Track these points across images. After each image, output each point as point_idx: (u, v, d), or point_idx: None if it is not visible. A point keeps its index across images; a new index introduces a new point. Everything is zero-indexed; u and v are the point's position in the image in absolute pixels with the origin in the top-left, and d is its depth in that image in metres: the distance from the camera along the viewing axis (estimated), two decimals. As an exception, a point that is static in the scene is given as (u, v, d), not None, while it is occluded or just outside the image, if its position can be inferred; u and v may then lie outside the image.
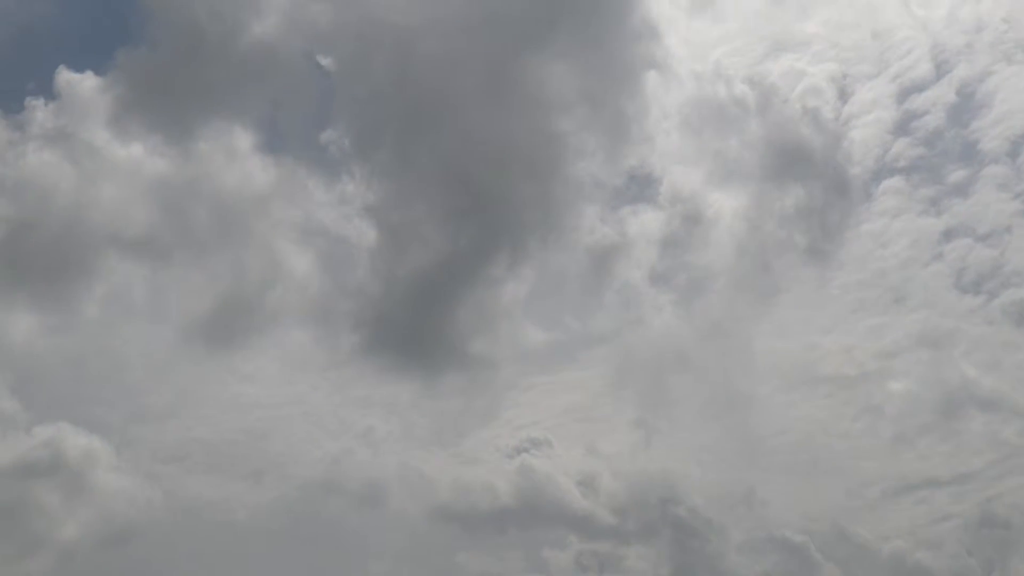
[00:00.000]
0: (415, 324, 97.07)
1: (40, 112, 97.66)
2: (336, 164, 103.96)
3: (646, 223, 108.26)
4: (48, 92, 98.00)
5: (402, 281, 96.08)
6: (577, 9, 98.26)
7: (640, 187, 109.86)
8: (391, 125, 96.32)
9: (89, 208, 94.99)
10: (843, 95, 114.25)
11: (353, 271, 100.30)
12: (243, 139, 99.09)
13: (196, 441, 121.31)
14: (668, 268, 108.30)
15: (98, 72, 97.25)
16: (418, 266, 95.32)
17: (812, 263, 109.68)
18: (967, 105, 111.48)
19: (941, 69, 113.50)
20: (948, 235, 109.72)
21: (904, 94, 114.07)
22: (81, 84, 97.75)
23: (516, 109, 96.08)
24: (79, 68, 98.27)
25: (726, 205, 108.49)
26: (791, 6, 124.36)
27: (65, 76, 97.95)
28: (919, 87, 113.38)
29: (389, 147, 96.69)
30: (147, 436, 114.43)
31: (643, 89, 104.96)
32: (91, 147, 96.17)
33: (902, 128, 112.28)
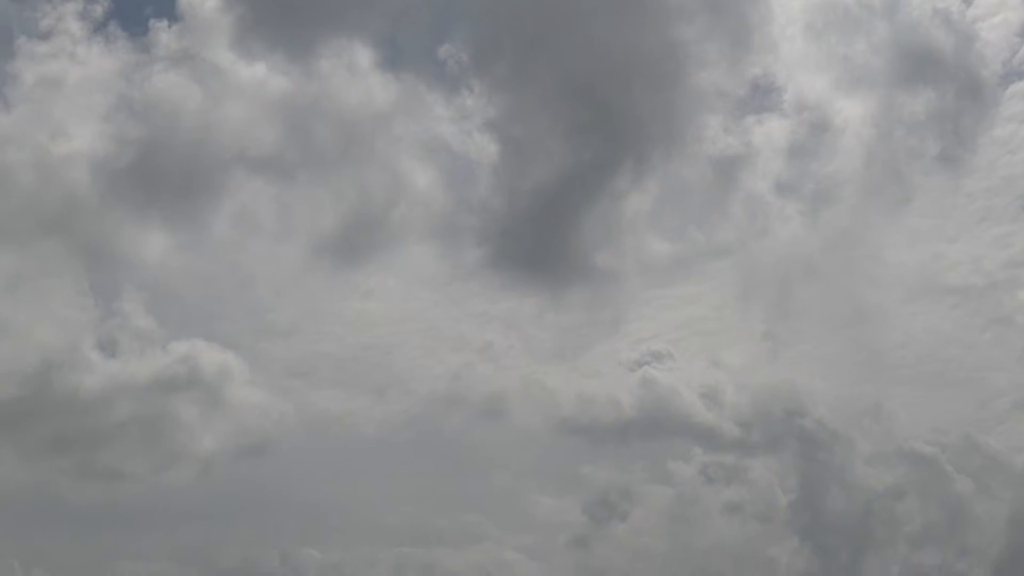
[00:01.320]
0: (538, 239, 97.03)
1: (164, 34, 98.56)
2: (456, 79, 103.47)
3: (771, 132, 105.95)
4: (172, 14, 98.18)
5: (525, 195, 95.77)
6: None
7: (764, 96, 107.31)
8: (510, 38, 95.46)
9: (215, 128, 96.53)
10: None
11: (475, 186, 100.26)
12: (363, 56, 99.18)
13: (322, 356, 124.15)
14: (794, 178, 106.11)
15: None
16: (541, 180, 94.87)
17: (942, 170, 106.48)
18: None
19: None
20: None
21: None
22: (203, 5, 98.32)
23: (637, 19, 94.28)
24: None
25: (853, 112, 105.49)
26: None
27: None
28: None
29: (508, 61, 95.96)
30: (276, 351, 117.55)
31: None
32: (215, 67, 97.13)
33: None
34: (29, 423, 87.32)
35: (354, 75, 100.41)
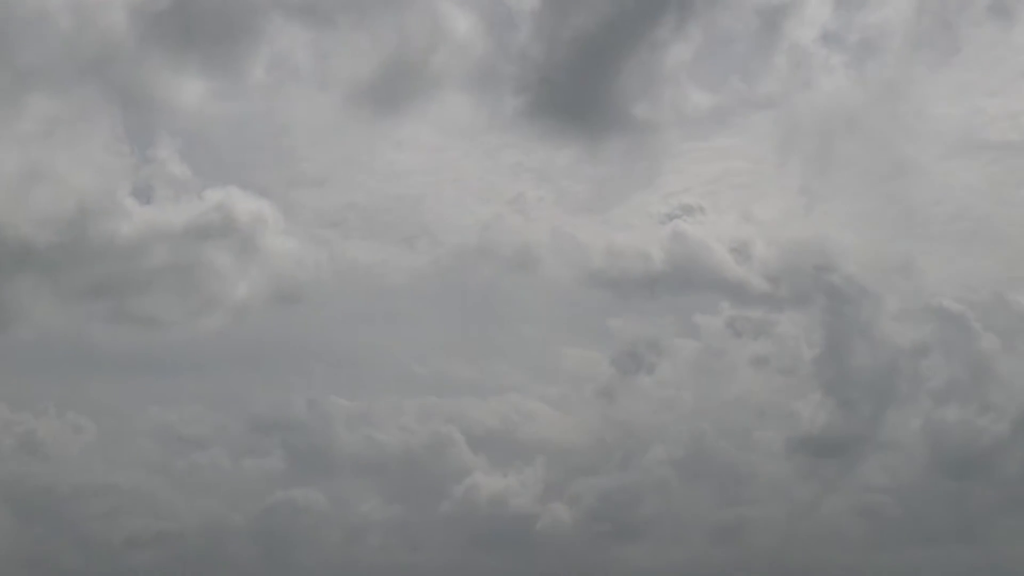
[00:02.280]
0: (577, 88, 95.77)
1: None
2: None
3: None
4: None
5: (566, 44, 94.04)
6: None
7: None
8: None
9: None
10: None
11: (516, 34, 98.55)
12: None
13: (353, 206, 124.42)
14: (840, 27, 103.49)
15: None
16: (582, 28, 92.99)
17: (992, 20, 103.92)
18: None
19: None
20: None
21: None
22: None
23: None
24: None
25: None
26: None
27: None
28: None
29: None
30: (309, 200, 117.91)
31: None
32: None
33: None
34: (65, 269, 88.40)
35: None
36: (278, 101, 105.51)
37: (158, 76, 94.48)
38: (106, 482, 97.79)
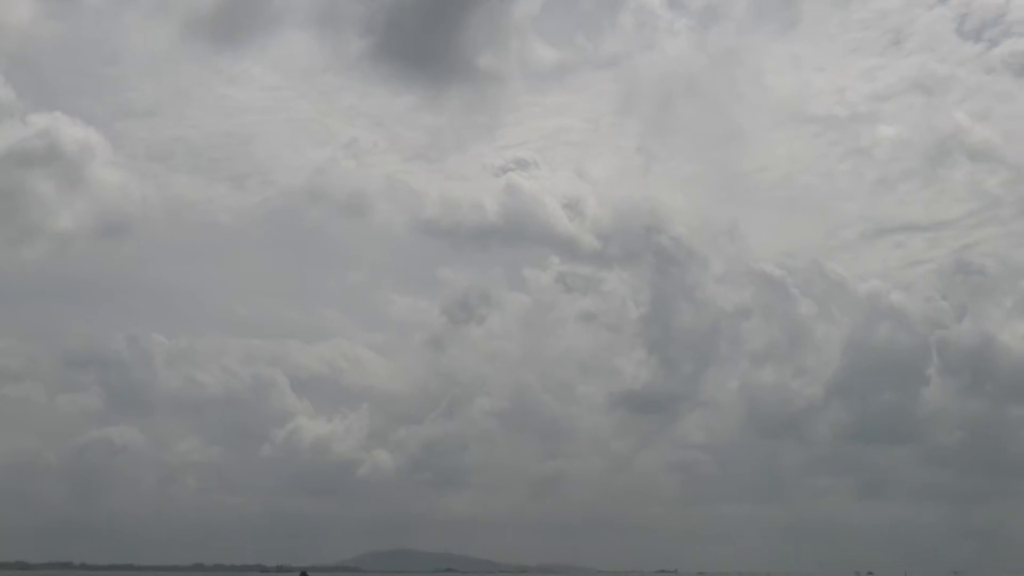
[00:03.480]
0: (424, 34, 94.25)
1: None
2: None
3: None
4: None
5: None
6: None
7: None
8: None
9: None
10: None
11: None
12: None
13: (182, 141, 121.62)
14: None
15: None
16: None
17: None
18: None
19: None
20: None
21: None
22: None
23: None
24: None
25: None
26: None
27: None
28: None
29: None
30: (137, 132, 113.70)
31: None
32: None
33: None
34: None
35: None
36: (111, 26, 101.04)
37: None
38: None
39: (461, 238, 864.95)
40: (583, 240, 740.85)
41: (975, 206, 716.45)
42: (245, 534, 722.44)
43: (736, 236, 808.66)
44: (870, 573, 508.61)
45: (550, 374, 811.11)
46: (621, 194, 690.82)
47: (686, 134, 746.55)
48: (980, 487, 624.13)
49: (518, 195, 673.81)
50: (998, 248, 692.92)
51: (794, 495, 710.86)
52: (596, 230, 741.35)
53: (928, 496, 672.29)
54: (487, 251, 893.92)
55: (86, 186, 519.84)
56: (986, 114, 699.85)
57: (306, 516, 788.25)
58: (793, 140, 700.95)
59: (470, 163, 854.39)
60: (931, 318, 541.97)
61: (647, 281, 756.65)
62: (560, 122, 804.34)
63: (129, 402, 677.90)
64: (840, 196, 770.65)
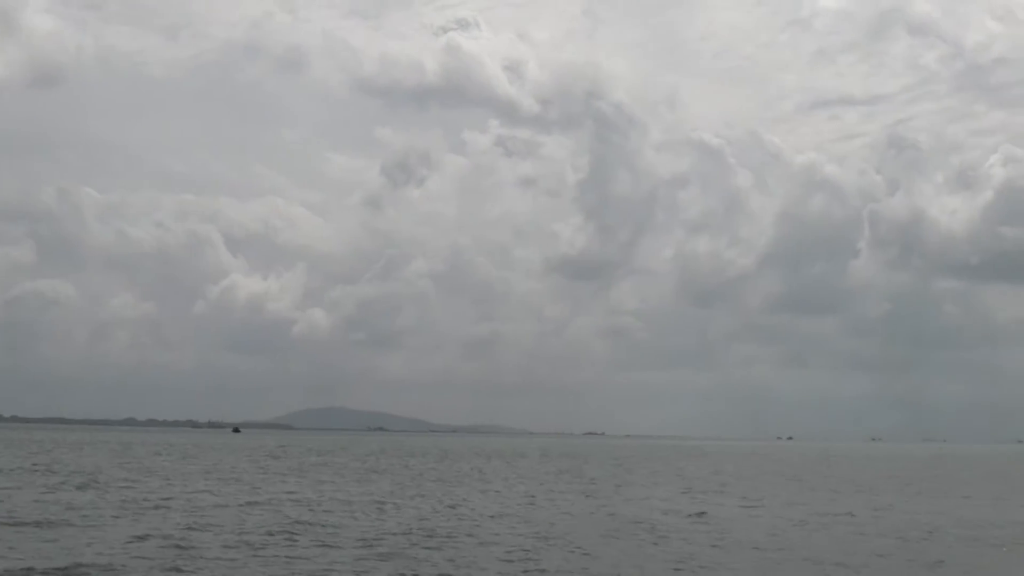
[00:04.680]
0: None
1: None
2: None
3: None
4: None
5: None
6: None
7: None
8: None
9: None
10: None
11: None
12: None
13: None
14: None
15: None
16: None
17: None
18: None
19: None
20: None
21: None
22: None
23: None
24: None
25: None
26: None
27: None
28: None
29: None
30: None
31: None
32: None
33: None
34: None
35: None
36: None
37: None
38: None
39: (399, 98, 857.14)
40: (523, 103, 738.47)
41: (911, 80, 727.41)
42: (177, 390, 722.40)
43: (676, 104, 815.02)
44: (790, 438, 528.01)
45: (487, 237, 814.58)
46: (563, 58, 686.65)
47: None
48: (902, 358, 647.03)
49: (458, 55, 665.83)
50: (932, 123, 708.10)
51: (721, 362, 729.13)
52: (537, 93, 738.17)
53: (851, 366, 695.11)
54: (426, 112, 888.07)
55: (18, 33, 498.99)
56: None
57: (239, 373, 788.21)
58: (735, 9, 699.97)
59: (409, 21, 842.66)
60: (864, 191, 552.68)
61: (586, 147, 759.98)
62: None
63: (60, 256, 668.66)
64: (779, 67, 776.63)
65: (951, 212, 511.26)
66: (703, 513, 36.08)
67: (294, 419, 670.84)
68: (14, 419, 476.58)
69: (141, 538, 25.72)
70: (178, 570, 21.29)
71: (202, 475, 55.22)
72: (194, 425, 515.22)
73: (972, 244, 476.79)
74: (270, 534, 27.35)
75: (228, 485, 47.03)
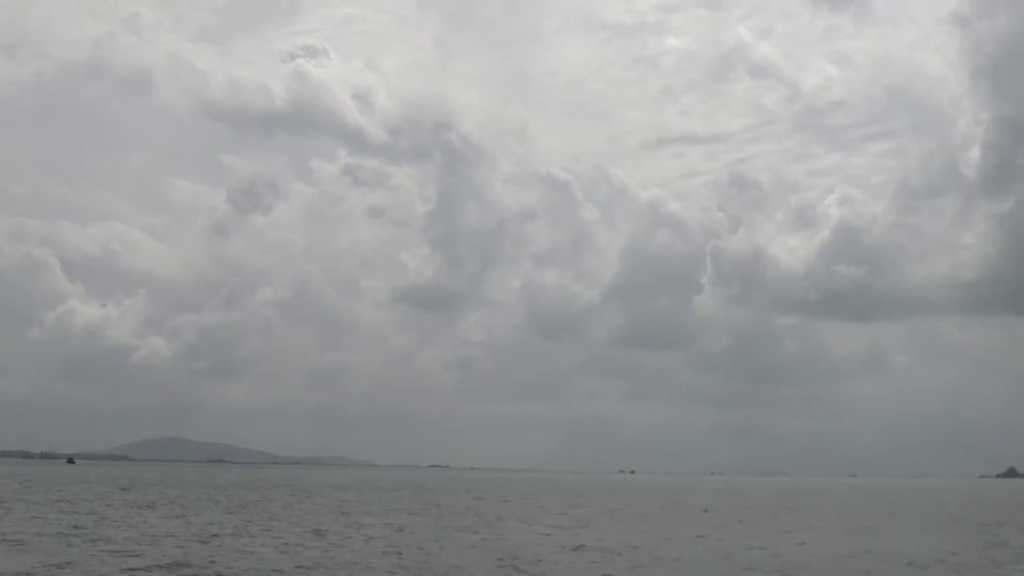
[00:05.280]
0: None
1: None
2: None
3: None
4: None
5: None
6: None
7: None
8: None
9: None
10: None
11: None
12: None
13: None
14: None
15: None
16: None
17: None
18: None
19: None
20: None
21: None
22: None
23: None
24: None
25: None
26: None
27: None
28: None
29: None
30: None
31: None
32: None
33: None
34: None
35: None
36: None
37: None
38: None
39: (246, 123, 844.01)
40: (372, 133, 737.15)
41: (752, 121, 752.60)
42: (10, 419, 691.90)
43: (525, 137, 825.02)
44: (632, 471, 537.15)
45: (334, 267, 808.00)
46: (413, 88, 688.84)
47: (484, 31, 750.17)
48: (742, 392, 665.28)
49: (306, 82, 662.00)
50: (772, 163, 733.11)
51: (566, 395, 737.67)
52: (385, 123, 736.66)
53: (693, 400, 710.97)
54: (273, 138, 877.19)
55: None
56: (768, 31, 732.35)
57: (75, 402, 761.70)
58: (584, 45, 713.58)
59: (258, 47, 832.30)
60: (707, 227, 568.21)
61: (435, 178, 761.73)
62: (355, 11, 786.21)
63: None
64: (625, 104, 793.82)
65: (790, 250, 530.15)
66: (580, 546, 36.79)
67: (131, 450, 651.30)
68: None
69: None
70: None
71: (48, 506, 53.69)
72: (26, 455, 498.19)
73: (810, 281, 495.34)
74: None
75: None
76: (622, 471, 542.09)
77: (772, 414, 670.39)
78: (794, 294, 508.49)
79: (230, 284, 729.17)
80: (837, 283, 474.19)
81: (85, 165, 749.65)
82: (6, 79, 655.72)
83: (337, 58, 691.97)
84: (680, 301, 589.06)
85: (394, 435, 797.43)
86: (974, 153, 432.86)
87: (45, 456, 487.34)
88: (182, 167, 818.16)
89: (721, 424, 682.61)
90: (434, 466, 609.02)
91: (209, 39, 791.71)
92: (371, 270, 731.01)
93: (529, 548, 36.20)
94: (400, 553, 33.54)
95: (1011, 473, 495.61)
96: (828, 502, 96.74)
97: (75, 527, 41.50)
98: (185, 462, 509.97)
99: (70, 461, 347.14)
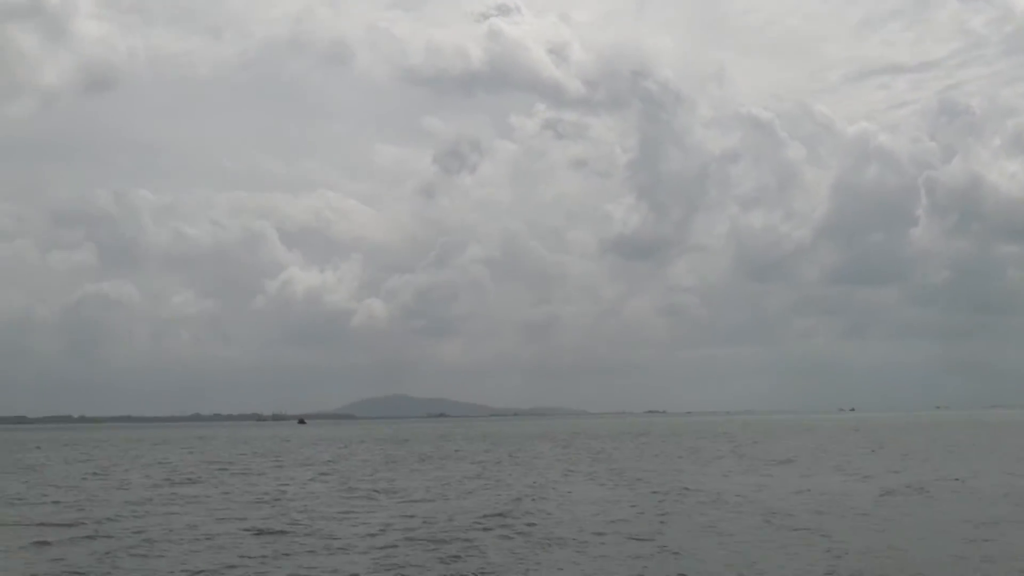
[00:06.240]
0: None
1: None
2: None
3: None
4: None
5: None
6: None
7: None
8: None
9: None
10: None
11: None
12: None
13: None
14: None
15: None
16: None
17: None
18: None
19: None
20: None
21: None
22: None
23: None
24: None
25: None
26: None
27: None
28: None
29: None
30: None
31: None
32: None
33: None
34: None
35: None
36: None
37: None
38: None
39: (445, 86, 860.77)
40: (569, 85, 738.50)
41: (960, 45, 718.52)
42: (241, 384, 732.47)
43: (723, 79, 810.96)
44: (852, 409, 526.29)
45: (540, 221, 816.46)
46: (607, 38, 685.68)
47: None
48: (964, 324, 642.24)
49: (501, 40, 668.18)
50: (984, 88, 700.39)
51: (781, 336, 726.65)
52: (582, 75, 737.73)
53: (913, 334, 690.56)
54: (472, 98, 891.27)
55: (70, 40, 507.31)
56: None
57: (301, 365, 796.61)
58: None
59: (451, 9, 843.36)
60: (919, 159, 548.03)
61: (635, 126, 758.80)
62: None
63: (120, 257, 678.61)
64: (825, 37, 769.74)
65: (1010, 176, 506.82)
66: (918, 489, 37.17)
67: (356, 409, 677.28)
68: (83, 419, 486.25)
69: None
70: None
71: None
72: (259, 418, 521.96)
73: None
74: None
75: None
76: (841, 409, 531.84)
77: (997, 345, 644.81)
78: (1016, 221, 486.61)
79: (440, 244, 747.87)
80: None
81: (293, 137, 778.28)
82: (214, 60, 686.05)
83: (529, 14, 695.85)
84: (895, 235, 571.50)
85: (607, 383, 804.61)
86: None
87: (276, 418, 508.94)
88: (386, 133, 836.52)
89: (943, 358, 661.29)
90: (651, 412, 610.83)
91: (402, 6, 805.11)
92: (577, 222, 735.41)
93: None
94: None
95: None
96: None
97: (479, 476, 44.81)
98: (408, 418, 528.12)
99: (301, 422, 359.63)
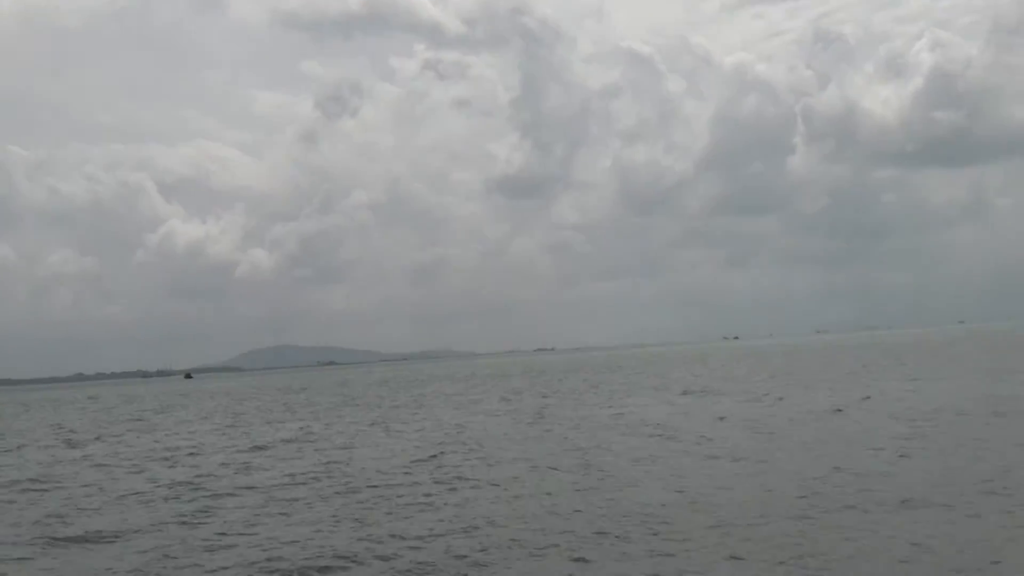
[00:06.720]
0: None
1: None
2: None
3: None
4: None
5: None
6: None
7: None
8: None
9: None
10: None
11: None
12: None
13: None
14: None
15: None
16: None
17: None
18: None
19: None
20: None
21: None
22: None
23: None
24: None
25: None
26: None
27: None
28: None
29: None
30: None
31: None
32: None
33: None
34: None
35: None
36: None
37: None
38: None
39: (323, 29, 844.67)
40: (448, 25, 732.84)
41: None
42: (125, 341, 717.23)
43: (603, 15, 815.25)
44: (736, 338, 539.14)
45: (424, 163, 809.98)
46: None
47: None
48: (843, 250, 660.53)
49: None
50: (856, 15, 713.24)
51: (666, 269, 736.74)
52: (461, 13, 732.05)
53: (794, 262, 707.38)
54: (350, 40, 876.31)
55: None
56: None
57: (185, 319, 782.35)
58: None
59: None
60: (795, 87, 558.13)
61: (515, 64, 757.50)
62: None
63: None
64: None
65: (883, 101, 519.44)
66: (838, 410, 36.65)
67: (243, 361, 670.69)
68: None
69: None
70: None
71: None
72: (144, 375, 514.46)
73: (906, 131, 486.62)
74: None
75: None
76: (725, 338, 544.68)
77: (875, 269, 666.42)
78: (890, 145, 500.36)
79: (323, 191, 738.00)
80: (935, 130, 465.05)
81: (168, 87, 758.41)
82: (82, 10, 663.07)
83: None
84: (774, 164, 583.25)
85: (497, 323, 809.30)
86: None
87: (162, 373, 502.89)
88: (265, 79, 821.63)
89: (823, 284, 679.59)
90: (540, 350, 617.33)
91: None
92: (461, 163, 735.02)
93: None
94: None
95: None
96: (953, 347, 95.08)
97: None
98: (296, 367, 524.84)
99: (187, 376, 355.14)
